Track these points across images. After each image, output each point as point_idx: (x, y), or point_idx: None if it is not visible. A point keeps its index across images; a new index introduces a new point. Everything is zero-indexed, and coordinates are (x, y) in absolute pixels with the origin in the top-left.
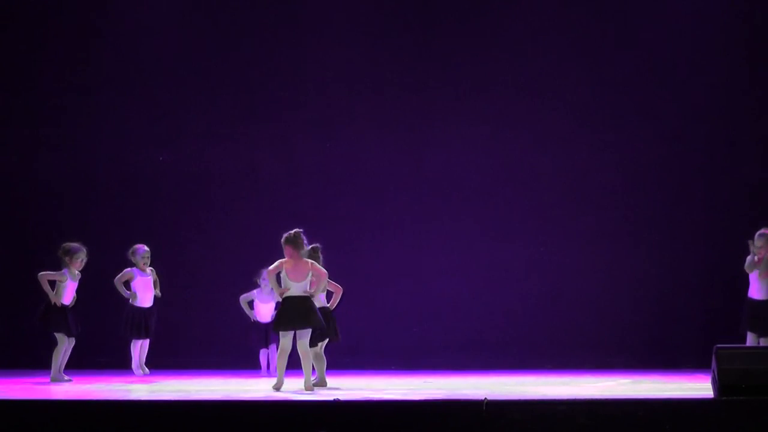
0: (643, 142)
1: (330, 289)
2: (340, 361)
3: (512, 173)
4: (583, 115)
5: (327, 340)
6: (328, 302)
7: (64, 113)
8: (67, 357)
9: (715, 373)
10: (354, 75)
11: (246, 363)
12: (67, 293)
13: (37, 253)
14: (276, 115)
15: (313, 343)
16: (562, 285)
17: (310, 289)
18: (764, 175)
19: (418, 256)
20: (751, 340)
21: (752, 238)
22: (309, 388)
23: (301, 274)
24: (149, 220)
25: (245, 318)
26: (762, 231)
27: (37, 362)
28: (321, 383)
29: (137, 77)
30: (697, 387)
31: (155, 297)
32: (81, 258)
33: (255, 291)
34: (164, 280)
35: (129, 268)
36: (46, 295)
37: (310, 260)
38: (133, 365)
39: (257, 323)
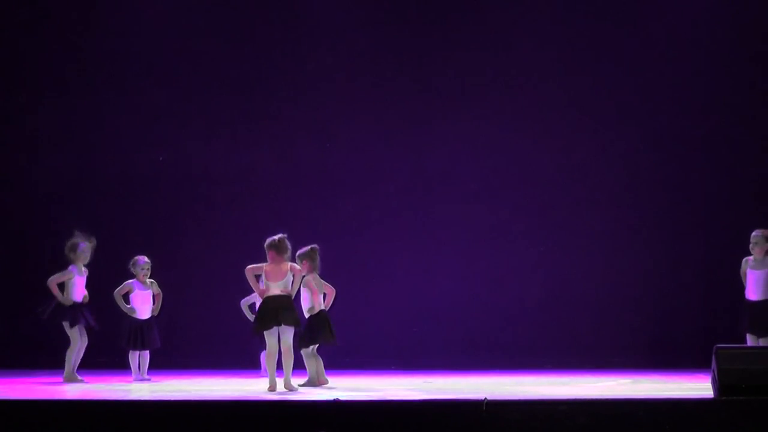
0: (643, 142)
1: (324, 290)
2: (340, 361)
3: (512, 173)
4: (583, 115)
5: (318, 344)
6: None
7: (64, 113)
8: (81, 356)
9: (715, 373)
10: (354, 75)
11: (246, 363)
12: (77, 290)
13: (37, 253)
14: (276, 115)
15: (303, 345)
16: (562, 285)
17: (290, 288)
18: (764, 175)
19: (417, 256)
20: (751, 341)
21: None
22: (289, 386)
23: (280, 275)
24: (149, 220)
25: (246, 320)
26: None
27: (37, 362)
28: (316, 382)
29: (137, 77)
30: (697, 387)
31: (153, 314)
32: (85, 252)
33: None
34: (164, 280)
35: (129, 281)
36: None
37: (289, 262)
38: (133, 375)
39: None
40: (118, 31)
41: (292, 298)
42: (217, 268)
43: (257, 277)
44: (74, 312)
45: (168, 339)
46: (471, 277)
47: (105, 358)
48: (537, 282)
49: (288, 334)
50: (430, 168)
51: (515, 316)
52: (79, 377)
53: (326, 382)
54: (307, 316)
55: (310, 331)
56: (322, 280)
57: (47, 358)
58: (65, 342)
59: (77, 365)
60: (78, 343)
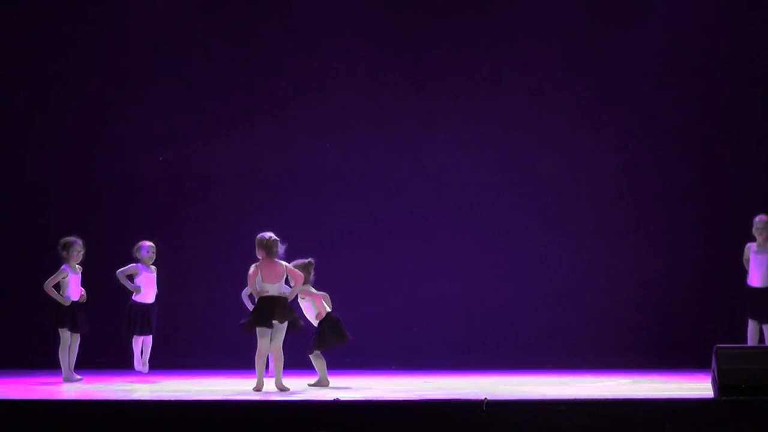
0: (643, 142)
1: (310, 298)
2: (340, 361)
3: (512, 173)
4: (583, 115)
5: (330, 348)
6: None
7: (64, 113)
8: (75, 354)
9: (715, 373)
10: (354, 75)
11: (246, 363)
12: (72, 288)
13: (36, 253)
14: (276, 115)
15: (312, 350)
16: (562, 285)
17: (287, 290)
18: (765, 175)
19: (418, 256)
20: (752, 327)
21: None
22: (280, 387)
23: (276, 276)
24: (149, 220)
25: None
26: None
27: (37, 362)
28: (323, 383)
29: (137, 77)
30: (697, 387)
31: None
32: (78, 250)
33: None
34: (164, 280)
35: (134, 264)
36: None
37: (284, 262)
38: (135, 361)
39: None
40: (118, 30)
41: (289, 300)
42: (217, 268)
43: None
44: (70, 314)
45: (168, 339)
46: (471, 277)
47: (104, 358)
48: (537, 282)
49: (279, 336)
50: (430, 168)
51: (515, 316)
52: (77, 376)
53: (328, 383)
54: (316, 322)
55: (321, 336)
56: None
57: (47, 358)
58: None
59: (73, 364)
60: (68, 341)
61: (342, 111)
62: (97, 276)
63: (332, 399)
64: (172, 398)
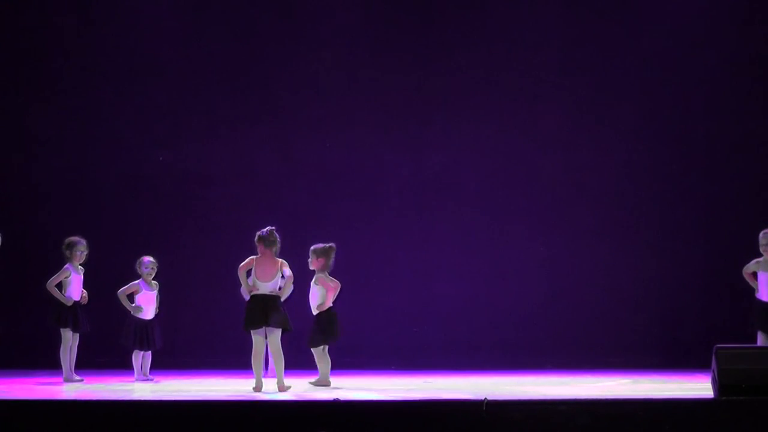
0: (643, 142)
1: (323, 286)
2: (340, 361)
3: (512, 173)
4: (583, 115)
5: (329, 343)
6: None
7: (64, 113)
8: (75, 354)
9: (715, 373)
10: (354, 75)
11: (246, 363)
12: (74, 288)
13: (37, 254)
14: (276, 115)
15: (315, 344)
16: (562, 285)
17: (279, 290)
18: (765, 175)
19: (418, 256)
20: (762, 339)
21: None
22: (282, 387)
23: (269, 274)
24: (149, 220)
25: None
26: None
27: (38, 362)
28: (324, 382)
29: (137, 77)
30: (697, 387)
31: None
32: (81, 250)
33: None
34: (164, 280)
35: (135, 281)
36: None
37: (281, 259)
38: (135, 374)
39: None
40: (118, 30)
41: (282, 299)
42: (217, 268)
43: (248, 273)
44: (72, 313)
45: (168, 339)
46: (471, 277)
47: (105, 358)
48: (537, 282)
49: (275, 335)
50: (430, 168)
51: (515, 316)
52: (78, 376)
53: (329, 383)
54: (315, 312)
55: (320, 329)
56: (331, 278)
57: (47, 358)
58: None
59: (74, 364)
60: (70, 341)
61: (342, 111)
62: (97, 276)
63: (332, 399)
64: (172, 398)
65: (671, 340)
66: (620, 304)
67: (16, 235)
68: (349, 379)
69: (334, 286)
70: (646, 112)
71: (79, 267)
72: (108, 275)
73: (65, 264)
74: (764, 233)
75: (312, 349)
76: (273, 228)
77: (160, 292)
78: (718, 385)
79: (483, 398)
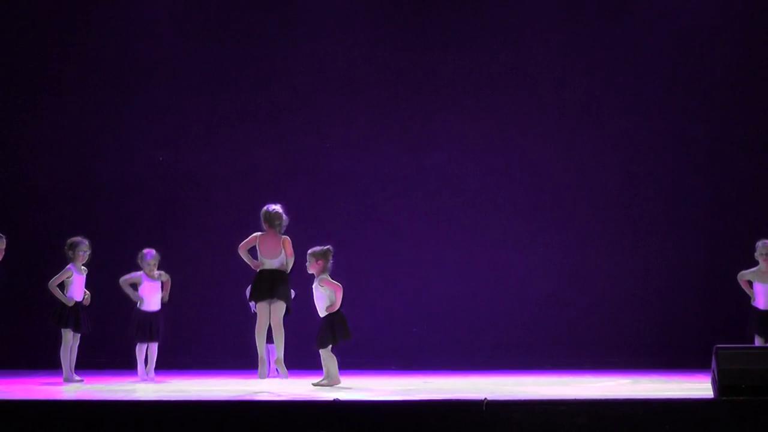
0: (643, 142)
1: (330, 288)
2: (341, 361)
3: (512, 173)
4: (584, 115)
5: (337, 343)
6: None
7: (64, 113)
8: (75, 355)
9: (715, 373)
10: (354, 74)
11: (246, 363)
12: (76, 289)
13: (37, 254)
14: (276, 115)
15: (323, 345)
16: (562, 285)
17: (284, 264)
18: (765, 175)
19: (418, 256)
20: (760, 344)
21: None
22: (280, 365)
23: (273, 252)
24: (149, 220)
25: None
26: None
27: (38, 362)
28: (334, 381)
29: (137, 77)
30: (697, 387)
31: (163, 301)
32: (84, 251)
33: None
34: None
35: (137, 272)
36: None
37: (284, 236)
38: (139, 369)
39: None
40: (117, 30)
41: (288, 272)
42: (217, 268)
43: (251, 251)
44: (74, 314)
45: (168, 339)
46: (471, 277)
47: (105, 358)
48: (537, 282)
49: (279, 309)
50: (430, 167)
51: (515, 316)
52: (78, 377)
53: (339, 382)
54: (324, 314)
55: (331, 329)
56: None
57: (47, 359)
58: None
59: (74, 365)
60: (70, 341)
61: (342, 111)
62: (97, 276)
63: (332, 399)
64: (173, 398)
65: (671, 340)
66: (620, 304)
67: (15, 235)
68: (349, 379)
69: (340, 286)
70: (647, 112)
71: (82, 267)
72: (108, 275)
73: (68, 264)
74: (763, 243)
75: (320, 351)
76: (278, 206)
77: (169, 276)
78: (718, 385)
79: (483, 398)
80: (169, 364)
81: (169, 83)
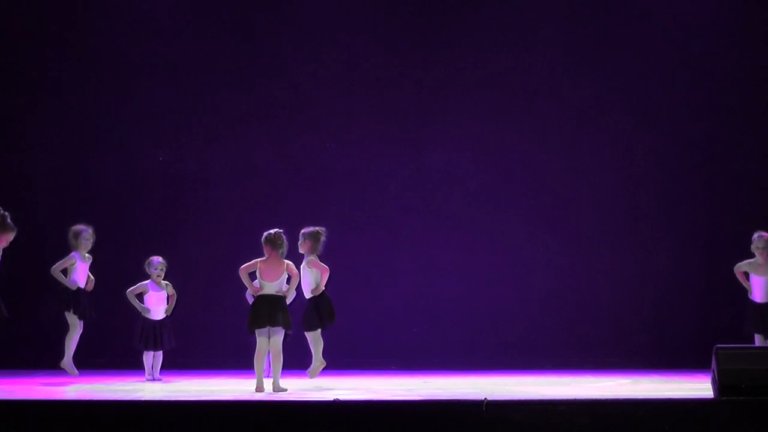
0: (643, 142)
1: (316, 269)
2: (340, 361)
3: (512, 173)
4: (583, 116)
5: (324, 327)
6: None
7: (64, 113)
8: (76, 343)
9: (715, 373)
10: (354, 75)
11: (246, 363)
12: (79, 275)
13: (36, 254)
14: (276, 115)
15: (311, 328)
16: (562, 285)
17: (284, 288)
18: (764, 175)
19: (418, 256)
20: (759, 341)
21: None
22: (277, 388)
23: (275, 274)
24: (149, 220)
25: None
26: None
27: (39, 362)
28: (319, 364)
29: (137, 77)
30: (697, 387)
31: (165, 314)
32: (87, 238)
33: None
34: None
35: (144, 282)
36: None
37: (286, 261)
38: (145, 376)
39: None
40: (117, 30)
41: (288, 300)
42: (217, 268)
43: (251, 275)
44: (77, 298)
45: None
46: (471, 277)
47: (105, 358)
48: (537, 282)
49: (278, 336)
50: (430, 167)
51: (515, 316)
52: (75, 370)
53: (324, 363)
54: (309, 296)
55: (317, 312)
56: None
57: (47, 358)
58: (65, 335)
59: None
60: (77, 327)
61: (342, 111)
62: (97, 276)
63: (332, 399)
64: (173, 398)
65: (671, 340)
66: (620, 304)
67: (16, 235)
68: (349, 379)
69: (327, 268)
70: (647, 112)
71: (86, 255)
72: (107, 275)
73: (71, 252)
74: (759, 236)
75: (307, 333)
76: (281, 230)
77: (175, 291)
78: (718, 385)
79: (483, 398)
80: (169, 364)
81: (169, 83)
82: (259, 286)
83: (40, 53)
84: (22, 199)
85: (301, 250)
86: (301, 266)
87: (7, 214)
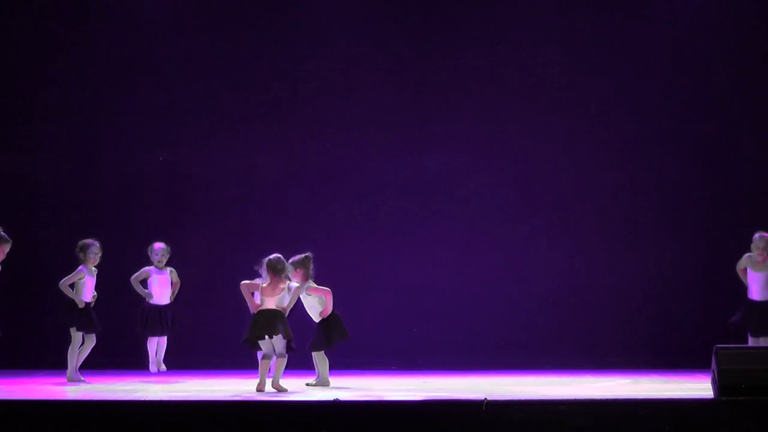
0: (642, 142)
1: (317, 294)
2: (340, 361)
3: (512, 173)
4: (583, 116)
5: (333, 346)
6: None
7: (64, 113)
8: (85, 356)
9: (715, 373)
10: (353, 75)
11: (246, 363)
12: (87, 290)
13: (37, 254)
14: (276, 115)
15: (318, 348)
16: (562, 285)
17: (285, 304)
18: (764, 175)
19: (418, 256)
20: (752, 340)
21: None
22: (277, 387)
23: (276, 291)
24: (149, 220)
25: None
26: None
27: (40, 362)
28: (324, 383)
29: (137, 77)
30: (697, 387)
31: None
32: (95, 252)
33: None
34: None
35: (146, 267)
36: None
37: (289, 282)
38: (150, 362)
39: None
40: (117, 30)
41: (286, 314)
42: (217, 268)
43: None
44: (85, 315)
45: (169, 339)
46: (471, 277)
47: (105, 358)
48: (537, 282)
49: (280, 342)
50: (429, 168)
51: (515, 316)
52: (81, 377)
53: (329, 384)
54: (319, 320)
55: (326, 333)
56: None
57: (48, 358)
58: (66, 341)
59: (80, 364)
60: (79, 341)
61: (342, 111)
62: (99, 276)
63: (332, 399)
64: (173, 398)
65: (671, 340)
66: (620, 304)
67: (15, 236)
68: (349, 379)
69: (328, 290)
70: (647, 112)
71: (93, 269)
72: (107, 275)
73: (79, 266)
74: (760, 236)
75: (313, 353)
76: (280, 256)
77: (179, 279)
78: (718, 385)
79: (483, 398)
80: (169, 364)
81: (169, 83)
82: (259, 303)
83: (41, 53)
84: (22, 200)
85: (294, 281)
86: (301, 296)
87: None
